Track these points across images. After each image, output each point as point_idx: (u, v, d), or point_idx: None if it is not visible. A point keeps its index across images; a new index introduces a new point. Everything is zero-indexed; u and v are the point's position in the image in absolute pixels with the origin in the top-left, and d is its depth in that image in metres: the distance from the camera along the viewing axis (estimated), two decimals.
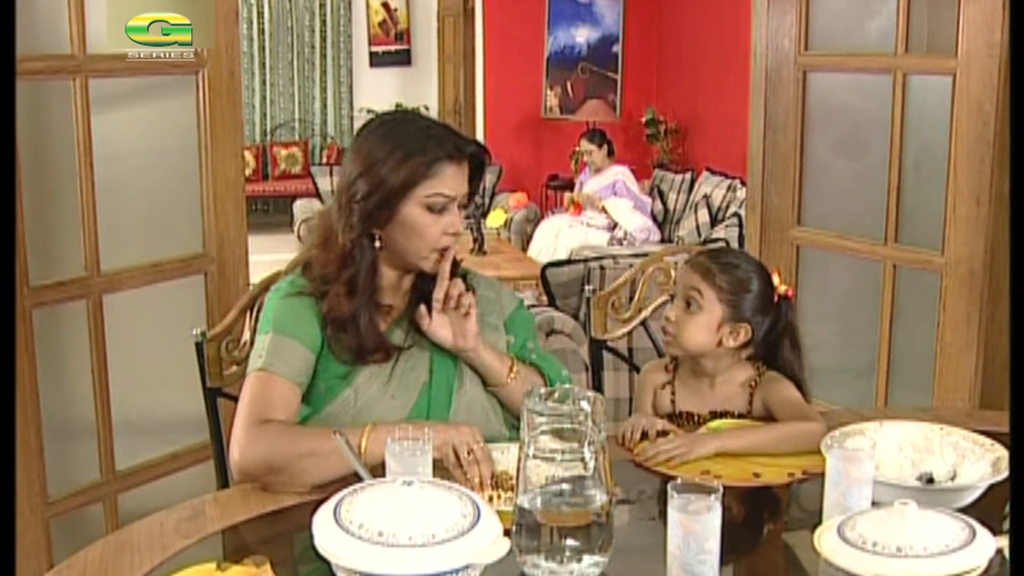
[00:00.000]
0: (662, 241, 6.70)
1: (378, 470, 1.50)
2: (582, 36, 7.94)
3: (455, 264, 1.82)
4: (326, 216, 1.80)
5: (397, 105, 9.60)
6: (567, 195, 7.17)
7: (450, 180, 1.72)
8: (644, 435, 1.79)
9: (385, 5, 9.73)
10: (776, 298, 1.89)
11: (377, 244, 1.73)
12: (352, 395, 1.72)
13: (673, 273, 2.30)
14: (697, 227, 6.36)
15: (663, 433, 1.81)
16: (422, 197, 1.70)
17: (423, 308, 1.76)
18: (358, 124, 9.67)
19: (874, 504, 1.43)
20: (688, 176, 6.96)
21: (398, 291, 1.80)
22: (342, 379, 1.72)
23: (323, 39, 9.66)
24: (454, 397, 1.77)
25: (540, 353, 1.89)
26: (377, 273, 1.75)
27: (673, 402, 1.93)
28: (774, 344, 1.91)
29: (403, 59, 9.80)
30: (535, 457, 1.30)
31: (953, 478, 1.58)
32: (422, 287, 1.80)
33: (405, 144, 1.70)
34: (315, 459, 1.57)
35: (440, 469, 1.55)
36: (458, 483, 1.51)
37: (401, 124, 1.76)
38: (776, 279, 1.91)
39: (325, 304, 1.72)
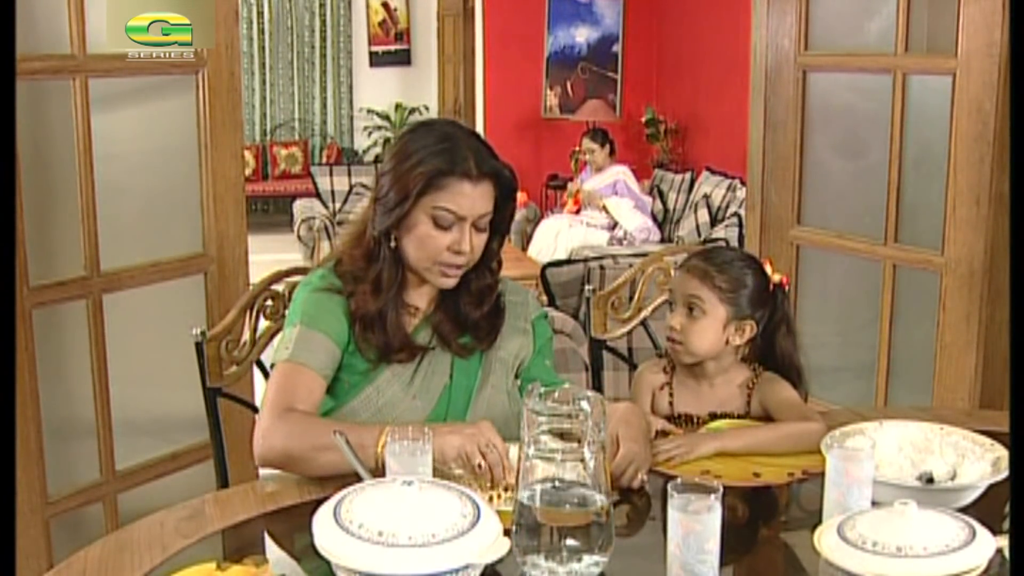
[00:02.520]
0: (662, 241, 6.69)
1: (378, 470, 1.50)
2: (582, 36, 7.93)
3: (489, 289, 1.80)
4: (363, 212, 1.81)
5: (397, 106, 9.62)
6: (568, 186, 7.16)
7: (462, 198, 1.69)
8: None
9: (385, 5, 9.73)
10: (771, 287, 1.90)
11: (393, 244, 1.74)
12: (374, 393, 1.73)
13: (673, 273, 2.30)
14: (697, 227, 6.36)
15: (663, 433, 1.81)
16: (429, 208, 1.69)
17: None
18: (358, 124, 9.70)
19: (874, 504, 1.43)
20: (688, 176, 6.96)
21: (424, 292, 1.80)
22: (365, 377, 1.73)
23: (323, 39, 9.66)
24: (473, 400, 1.78)
25: (555, 380, 1.86)
26: (402, 272, 1.76)
27: (671, 404, 1.93)
28: (771, 334, 1.91)
29: (403, 59, 9.80)
30: (535, 457, 1.30)
31: (953, 478, 1.58)
32: (451, 295, 1.79)
33: (423, 151, 1.69)
34: (330, 452, 1.57)
35: (440, 469, 1.55)
36: (482, 488, 1.51)
37: (432, 131, 1.75)
38: (768, 268, 1.91)
39: (353, 303, 1.73)
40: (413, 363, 1.75)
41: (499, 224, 1.78)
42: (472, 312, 1.79)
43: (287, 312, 1.81)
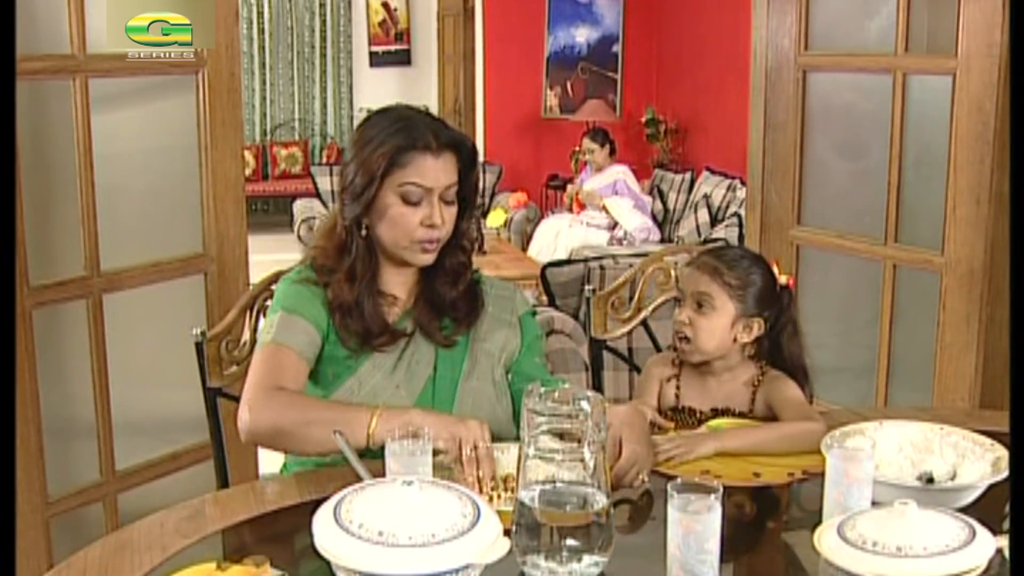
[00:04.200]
0: (662, 241, 6.70)
1: (378, 470, 1.50)
2: (582, 36, 7.93)
3: (463, 267, 1.83)
4: (333, 207, 1.84)
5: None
6: (569, 187, 7.15)
7: (426, 171, 1.73)
8: None
9: (385, 5, 9.73)
10: (778, 289, 1.90)
11: (364, 232, 1.77)
12: (356, 384, 1.75)
13: (673, 273, 2.30)
14: (697, 227, 6.36)
15: (654, 425, 1.82)
16: (396, 186, 1.73)
17: None
18: (358, 124, 9.67)
19: (874, 504, 1.43)
20: (688, 176, 6.96)
21: (403, 282, 1.83)
22: (347, 367, 1.75)
23: (323, 39, 9.66)
24: (459, 390, 1.79)
25: (548, 378, 1.89)
26: (375, 260, 1.79)
27: (677, 396, 1.94)
28: (778, 335, 1.92)
29: (403, 59, 9.80)
30: (535, 457, 1.30)
31: (953, 478, 1.58)
32: (427, 280, 1.82)
33: (382, 133, 1.74)
34: (322, 427, 1.59)
35: (440, 469, 1.55)
36: (459, 478, 1.51)
37: (387, 115, 1.79)
38: (775, 270, 1.92)
39: (330, 292, 1.76)
40: (395, 352, 1.77)
41: (466, 196, 1.81)
42: (448, 292, 1.82)
43: (269, 304, 1.84)
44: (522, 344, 1.88)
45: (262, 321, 1.98)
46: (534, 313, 1.95)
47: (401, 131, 1.73)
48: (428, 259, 1.78)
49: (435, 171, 1.74)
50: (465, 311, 1.83)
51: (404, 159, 1.72)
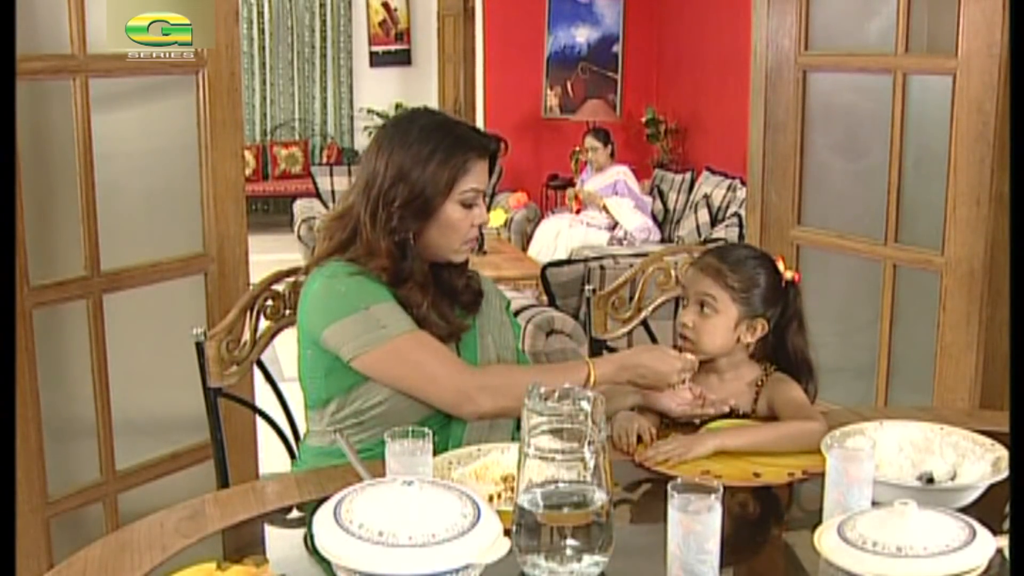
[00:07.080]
0: (662, 241, 6.70)
1: (378, 470, 1.50)
2: (582, 36, 7.94)
3: (464, 262, 1.90)
4: (346, 218, 1.83)
5: (397, 105, 9.61)
6: (569, 190, 7.16)
7: (480, 175, 1.83)
8: (639, 438, 1.79)
9: (385, 5, 9.73)
10: (783, 284, 1.90)
11: (413, 241, 1.81)
12: None
13: (673, 273, 2.30)
14: (697, 227, 6.37)
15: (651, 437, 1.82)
16: (458, 195, 1.80)
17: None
18: (358, 124, 9.70)
19: (874, 504, 1.43)
20: (688, 176, 6.96)
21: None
22: None
23: (323, 39, 9.67)
24: None
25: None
26: (426, 264, 1.84)
27: None
28: (783, 330, 1.92)
29: (403, 59, 9.80)
30: (535, 457, 1.30)
31: (953, 478, 1.58)
32: (439, 274, 1.87)
33: (440, 148, 1.79)
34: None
35: (439, 470, 1.56)
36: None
37: (428, 127, 1.81)
38: (781, 266, 1.92)
39: (403, 298, 1.78)
40: None
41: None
42: (457, 281, 1.89)
43: (327, 306, 1.75)
44: (513, 335, 1.96)
45: (263, 321, 1.98)
46: (509, 303, 2.04)
47: (459, 141, 1.80)
48: (467, 255, 1.87)
49: (485, 173, 1.85)
50: (472, 297, 1.90)
51: (468, 167, 1.80)
